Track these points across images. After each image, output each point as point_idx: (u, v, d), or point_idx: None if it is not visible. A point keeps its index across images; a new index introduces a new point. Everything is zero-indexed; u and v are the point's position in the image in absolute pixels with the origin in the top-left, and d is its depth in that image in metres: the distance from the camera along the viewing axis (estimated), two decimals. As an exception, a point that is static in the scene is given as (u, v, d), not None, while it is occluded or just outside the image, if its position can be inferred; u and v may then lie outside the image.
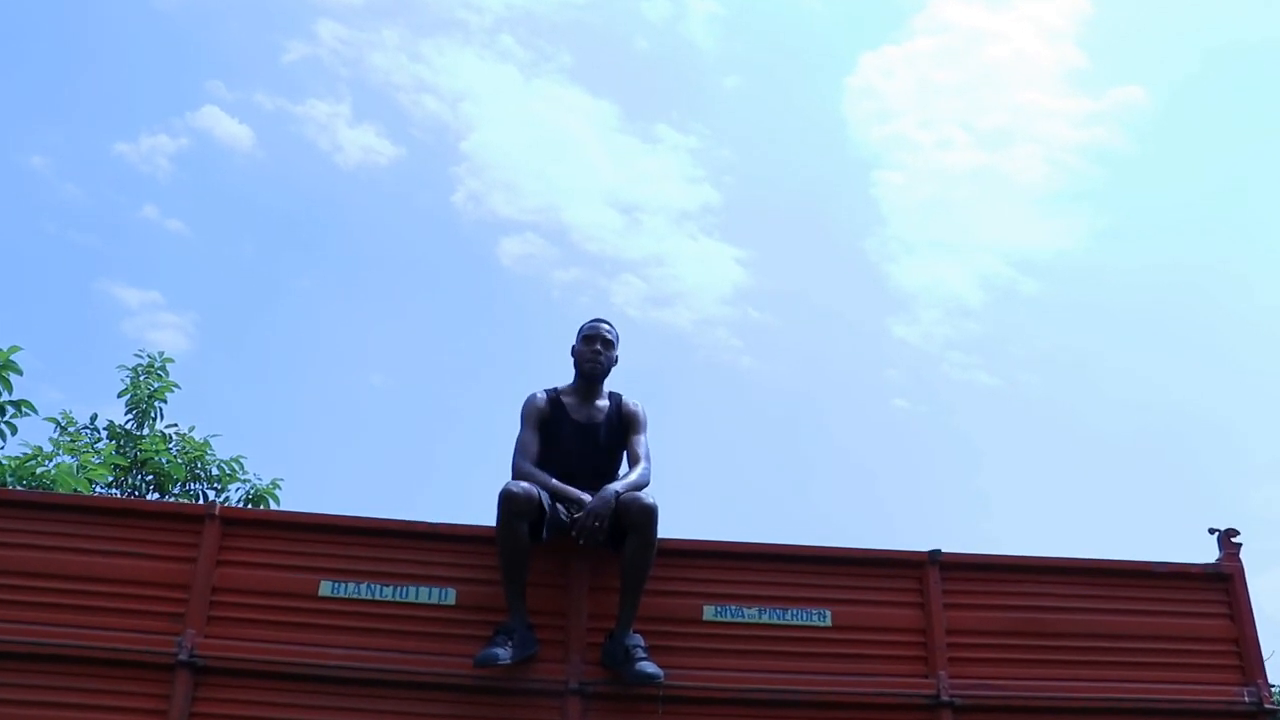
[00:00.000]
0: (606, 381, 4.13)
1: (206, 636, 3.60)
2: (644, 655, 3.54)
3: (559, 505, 3.71)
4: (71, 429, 7.42)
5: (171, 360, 7.87)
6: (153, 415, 7.60)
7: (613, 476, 4.02)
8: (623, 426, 4.05)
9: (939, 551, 4.01)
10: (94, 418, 7.62)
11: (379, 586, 3.73)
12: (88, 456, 6.73)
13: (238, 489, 7.73)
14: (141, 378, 7.70)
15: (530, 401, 4.08)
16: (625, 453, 4.02)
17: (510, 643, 3.50)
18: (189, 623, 3.60)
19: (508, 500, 3.54)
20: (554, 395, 4.10)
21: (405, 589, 3.74)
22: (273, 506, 7.68)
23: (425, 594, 3.73)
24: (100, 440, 7.41)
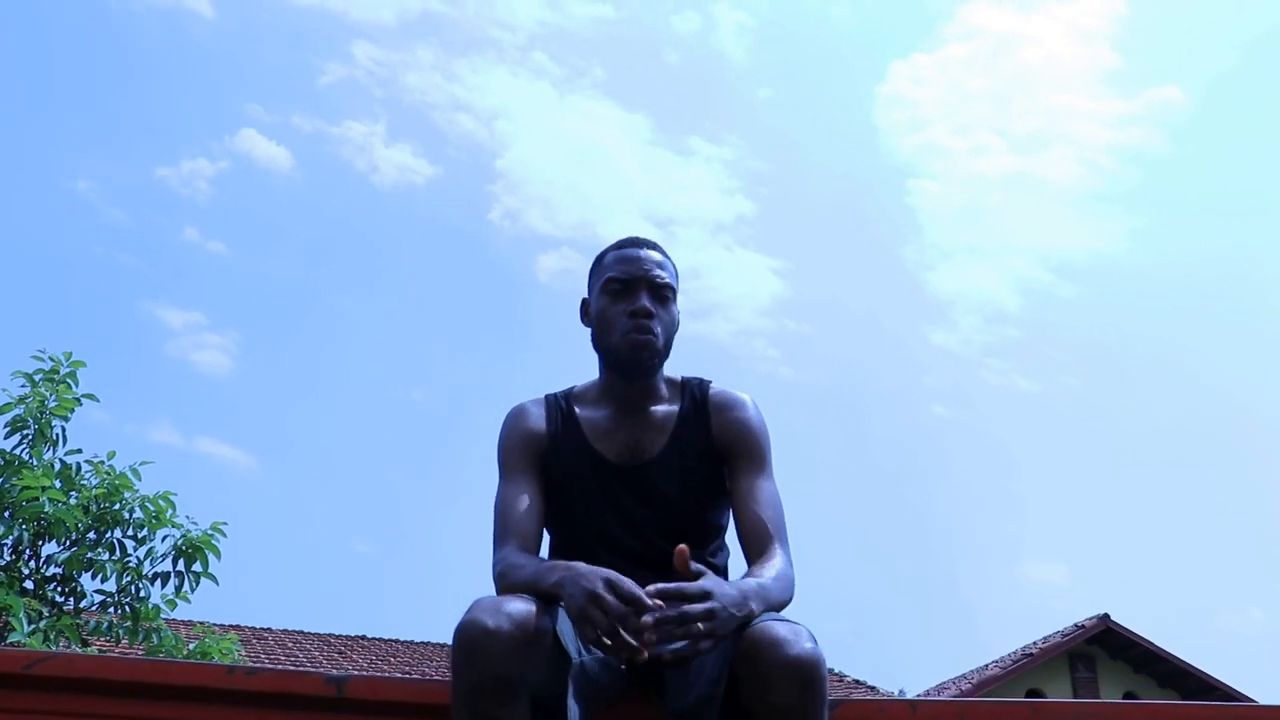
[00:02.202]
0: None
1: None
2: None
3: (599, 637, 1.57)
4: (-58, 458, 5.49)
5: (82, 364, 5.89)
6: (50, 438, 5.63)
7: (710, 565, 1.94)
8: (719, 453, 1.95)
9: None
10: (-26, 440, 5.67)
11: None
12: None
13: (165, 537, 5.72)
14: (40, 385, 5.72)
15: (512, 425, 1.99)
16: (733, 516, 1.94)
17: None
18: None
19: (471, 657, 1.46)
20: (561, 406, 2.00)
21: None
22: (211, 561, 5.66)
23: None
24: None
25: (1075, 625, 16.43)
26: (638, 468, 1.93)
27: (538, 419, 1.98)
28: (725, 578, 1.95)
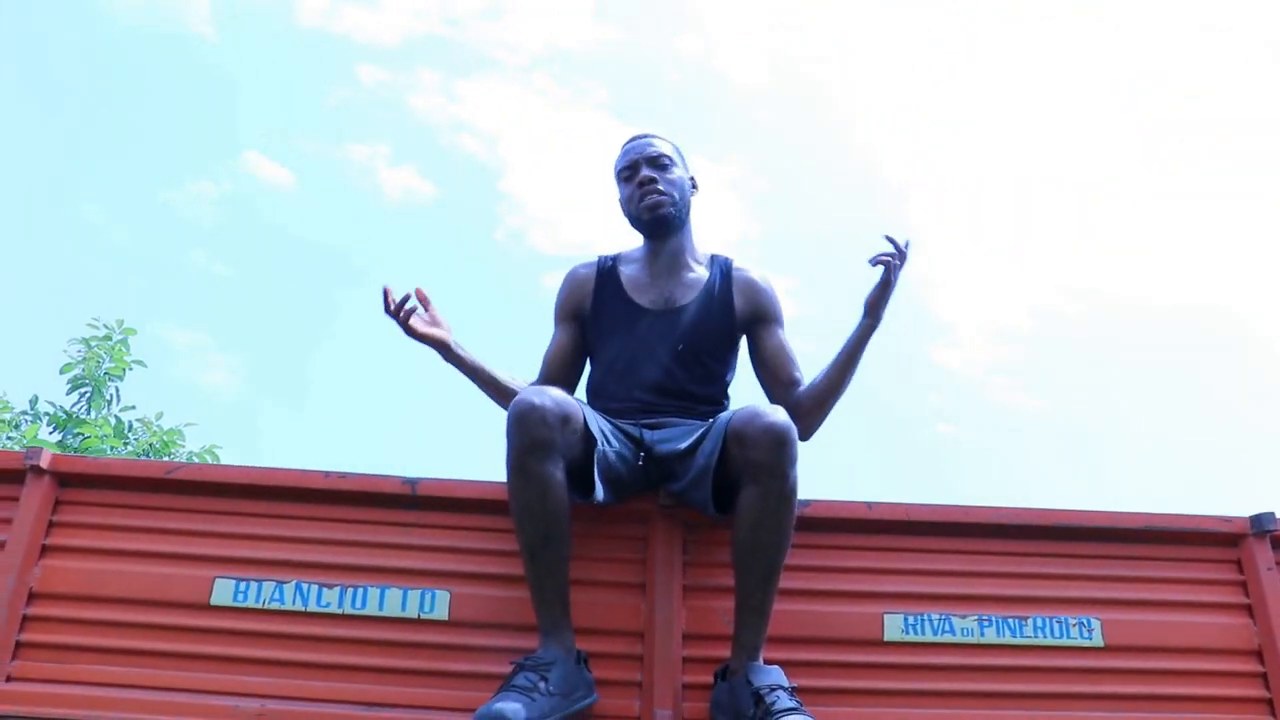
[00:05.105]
0: (698, 238, 2.49)
1: (9, 679, 2.03)
2: (791, 703, 1.86)
3: (615, 428, 2.10)
4: (7, 414, 5.97)
5: (133, 332, 6.38)
6: (106, 396, 6.11)
7: (718, 401, 2.39)
8: (737, 313, 2.41)
9: (1271, 518, 2.35)
10: (34, 401, 6.16)
11: (318, 589, 2.15)
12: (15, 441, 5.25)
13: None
14: (95, 348, 6.20)
15: (564, 285, 2.48)
16: (754, 355, 2.41)
17: (543, 687, 1.87)
18: (-17, 657, 2.04)
19: (519, 423, 1.90)
20: (607, 265, 2.46)
21: (362, 592, 2.14)
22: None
23: (397, 601, 2.14)
24: (39, 428, 5.96)
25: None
26: (668, 313, 2.35)
27: (586, 278, 2.43)
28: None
